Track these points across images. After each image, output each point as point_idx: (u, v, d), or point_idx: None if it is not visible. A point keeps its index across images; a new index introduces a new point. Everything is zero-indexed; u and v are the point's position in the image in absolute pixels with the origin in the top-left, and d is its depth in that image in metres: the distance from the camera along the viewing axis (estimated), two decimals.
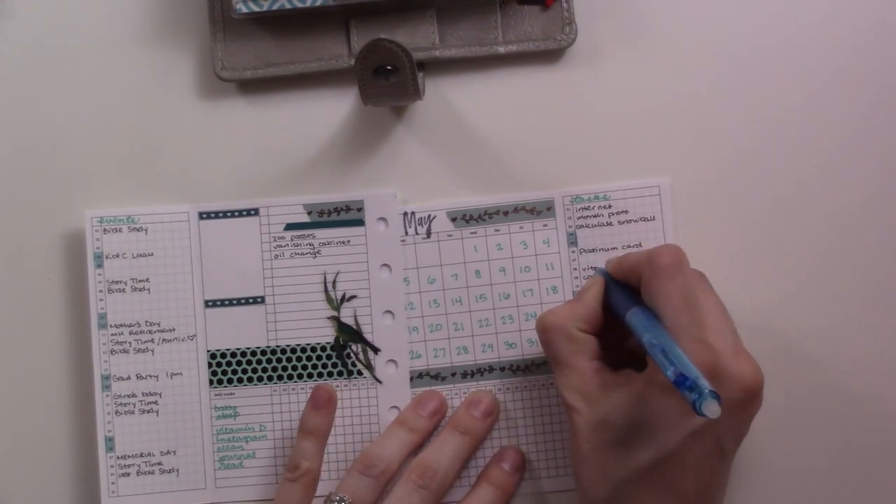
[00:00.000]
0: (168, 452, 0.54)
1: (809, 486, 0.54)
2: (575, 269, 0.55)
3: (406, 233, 0.56)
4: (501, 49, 0.55)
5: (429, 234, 0.56)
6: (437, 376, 0.56)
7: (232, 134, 0.57)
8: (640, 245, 0.55)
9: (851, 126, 0.55)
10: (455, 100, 0.56)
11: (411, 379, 0.55)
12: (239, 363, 0.55)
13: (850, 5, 0.56)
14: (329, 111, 0.57)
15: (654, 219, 0.55)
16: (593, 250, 0.55)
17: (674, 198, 0.55)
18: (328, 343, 0.55)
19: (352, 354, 0.55)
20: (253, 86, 0.57)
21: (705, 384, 0.42)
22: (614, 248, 0.55)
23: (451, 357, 0.56)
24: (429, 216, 0.56)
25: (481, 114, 0.56)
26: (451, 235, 0.56)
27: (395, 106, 0.56)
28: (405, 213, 0.56)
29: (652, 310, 0.48)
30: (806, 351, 0.54)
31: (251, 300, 0.55)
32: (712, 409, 0.41)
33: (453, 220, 0.56)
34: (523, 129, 0.56)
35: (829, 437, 0.54)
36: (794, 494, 0.54)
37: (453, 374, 0.55)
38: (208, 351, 0.55)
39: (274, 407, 0.55)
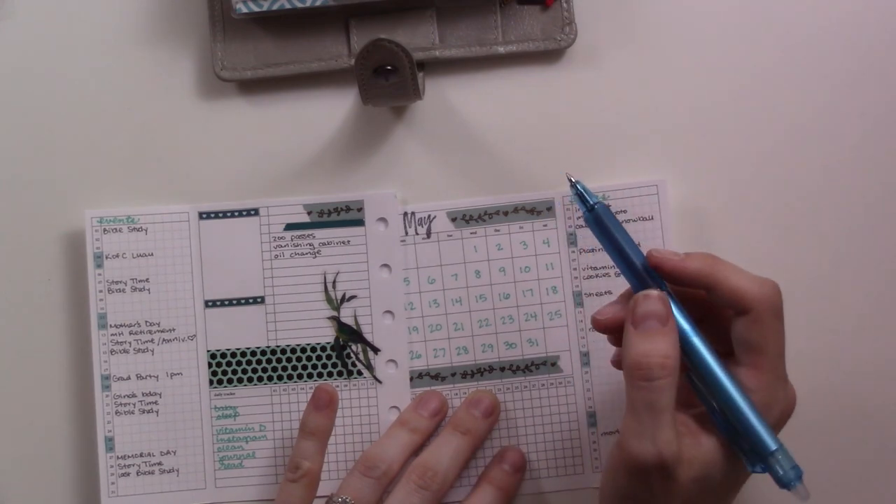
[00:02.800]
0: (168, 452, 0.54)
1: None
2: (575, 269, 0.55)
3: (406, 233, 0.56)
4: (501, 49, 0.55)
5: (429, 234, 0.56)
6: (437, 376, 0.56)
7: (232, 134, 0.57)
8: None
9: (852, 125, 0.55)
10: (455, 100, 0.56)
11: (411, 379, 0.55)
12: (239, 363, 0.55)
13: (850, 5, 0.56)
14: (329, 111, 0.57)
15: (652, 218, 0.55)
16: (593, 250, 0.55)
17: (672, 197, 0.55)
18: (328, 343, 0.55)
19: (352, 354, 0.55)
20: (253, 86, 0.57)
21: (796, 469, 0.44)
22: None
23: (451, 357, 0.55)
24: (429, 216, 0.56)
25: (481, 114, 0.56)
26: (451, 235, 0.56)
27: (395, 106, 0.56)
28: (405, 213, 0.56)
29: (746, 343, 0.45)
30: (807, 351, 0.54)
31: (251, 300, 0.55)
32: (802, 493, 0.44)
33: (453, 220, 0.56)
34: (523, 130, 0.56)
35: (838, 433, 0.54)
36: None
37: (453, 374, 0.55)
38: (208, 351, 0.55)
39: (274, 407, 0.55)
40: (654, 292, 0.45)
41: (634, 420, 0.43)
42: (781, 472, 0.44)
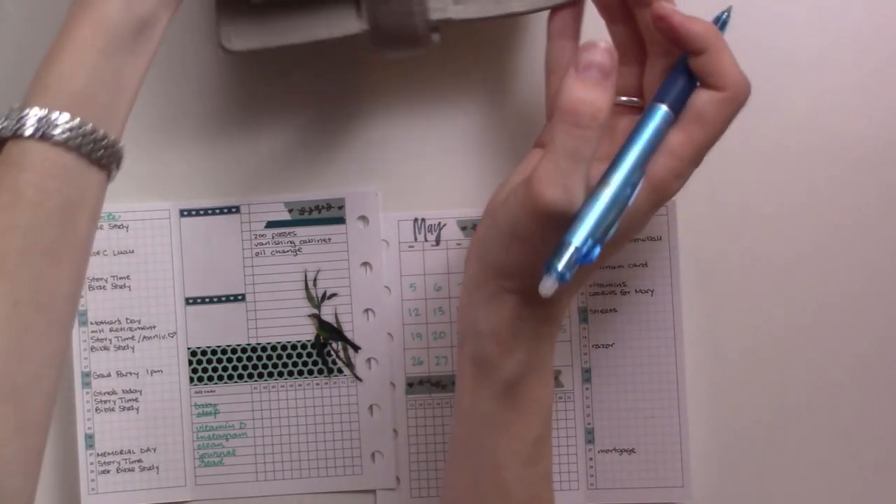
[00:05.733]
0: (148, 450, 0.54)
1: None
2: None
3: (416, 239, 0.54)
4: (517, 6, 0.48)
5: (438, 241, 0.54)
6: (437, 383, 0.54)
7: (230, 134, 0.54)
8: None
9: (855, 128, 0.54)
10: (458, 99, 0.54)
11: (410, 385, 0.54)
12: (219, 361, 0.54)
13: (850, 5, 0.54)
14: (330, 111, 0.54)
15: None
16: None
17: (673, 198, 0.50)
18: (308, 341, 0.54)
19: (332, 352, 0.54)
20: (252, 85, 0.54)
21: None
22: None
23: (452, 365, 0.54)
24: (439, 223, 0.54)
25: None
26: (460, 244, 0.54)
27: (406, 55, 0.49)
28: (415, 220, 0.54)
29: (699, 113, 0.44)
30: (810, 353, 0.54)
31: (232, 298, 0.54)
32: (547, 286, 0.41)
33: (463, 228, 0.54)
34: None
35: (839, 431, 0.55)
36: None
37: (454, 383, 0.53)
38: (188, 348, 0.54)
39: (254, 405, 0.54)
40: (601, 43, 0.43)
41: (552, 164, 0.42)
42: (555, 260, 0.41)
